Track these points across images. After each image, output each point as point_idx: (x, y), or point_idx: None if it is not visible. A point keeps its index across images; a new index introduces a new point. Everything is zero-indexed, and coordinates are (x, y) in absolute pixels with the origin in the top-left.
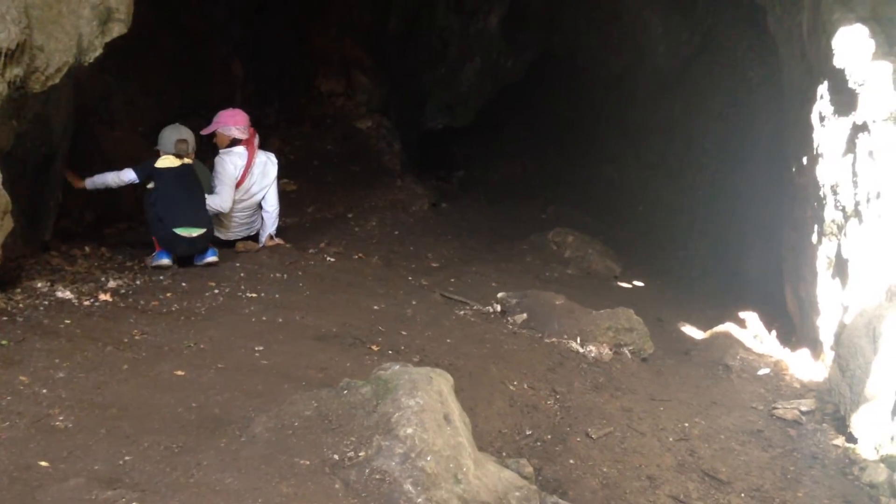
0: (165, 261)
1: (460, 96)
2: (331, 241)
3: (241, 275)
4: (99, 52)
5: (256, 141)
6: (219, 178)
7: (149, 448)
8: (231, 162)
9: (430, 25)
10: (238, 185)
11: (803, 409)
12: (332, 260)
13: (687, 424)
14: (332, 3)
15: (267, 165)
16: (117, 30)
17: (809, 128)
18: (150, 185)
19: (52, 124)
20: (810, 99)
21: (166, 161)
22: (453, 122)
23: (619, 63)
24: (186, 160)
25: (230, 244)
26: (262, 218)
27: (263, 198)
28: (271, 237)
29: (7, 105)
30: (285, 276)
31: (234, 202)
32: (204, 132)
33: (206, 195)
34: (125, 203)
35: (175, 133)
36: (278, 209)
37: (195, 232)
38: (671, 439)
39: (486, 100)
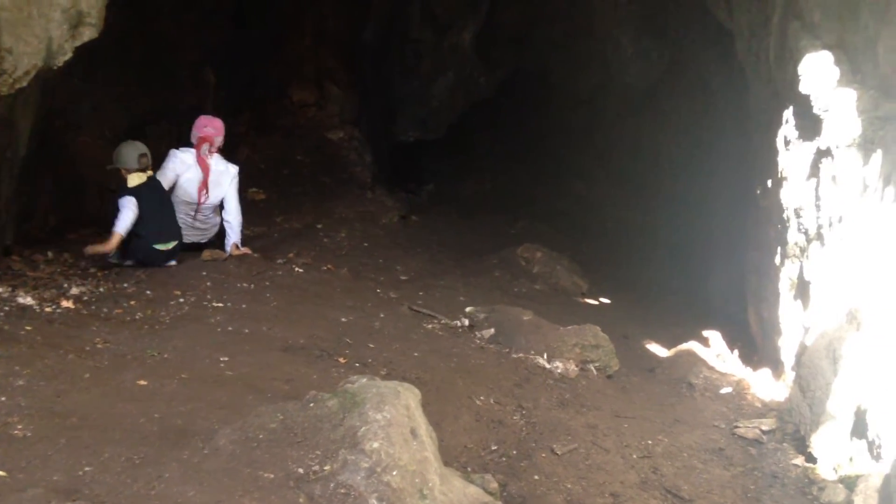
0: (129, 262)
1: (432, 110)
2: (299, 252)
3: (208, 284)
4: (69, 55)
5: (204, 149)
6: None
7: (109, 459)
8: (177, 160)
9: (404, 39)
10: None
11: (764, 428)
12: (301, 271)
13: (650, 442)
14: (307, 13)
15: (223, 175)
16: (88, 34)
17: (774, 151)
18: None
19: (19, 128)
20: (776, 123)
21: (136, 179)
22: (425, 135)
23: (589, 81)
24: (150, 173)
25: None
26: (225, 227)
27: (223, 206)
28: (237, 246)
29: None
30: (252, 286)
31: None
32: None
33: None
34: (89, 208)
35: (135, 149)
36: (240, 218)
37: (171, 245)
38: (635, 456)
39: (458, 114)
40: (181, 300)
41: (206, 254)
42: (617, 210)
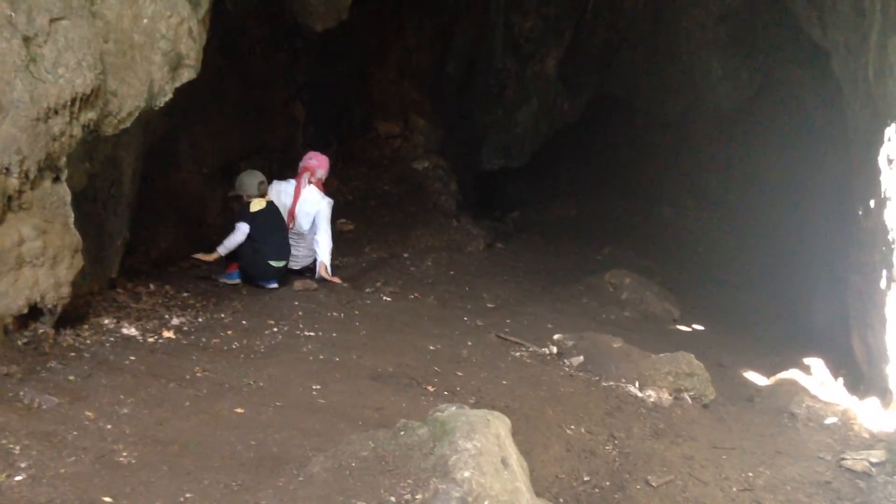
0: (237, 280)
1: (516, 138)
2: (387, 281)
3: (300, 313)
4: (169, 96)
5: (304, 178)
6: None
7: (209, 486)
8: (273, 188)
9: (487, 68)
10: (289, 213)
11: (873, 460)
12: (389, 299)
13: (751, 474)
14: (391, 47)
15: (313, 205)
16: (187, 75)
17: (877, 171)
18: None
19: (122, 166)
20: (877, 142)
21: (257, 204)
22: (509, 163)
23: (676, 104)
24: (268, 198)
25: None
26: (316, 250)
27: (314, 229)
28: (325, 267)
29: (80, 147)
30: (342, 315)
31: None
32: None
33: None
34: (188, 241)
35: (254, 178)
36: (330, 243)
37: (282, 263)
38: (735, 489)
39: (543, 141)
40: (275, 329)
41: (298, 284)
42: (708, 234)
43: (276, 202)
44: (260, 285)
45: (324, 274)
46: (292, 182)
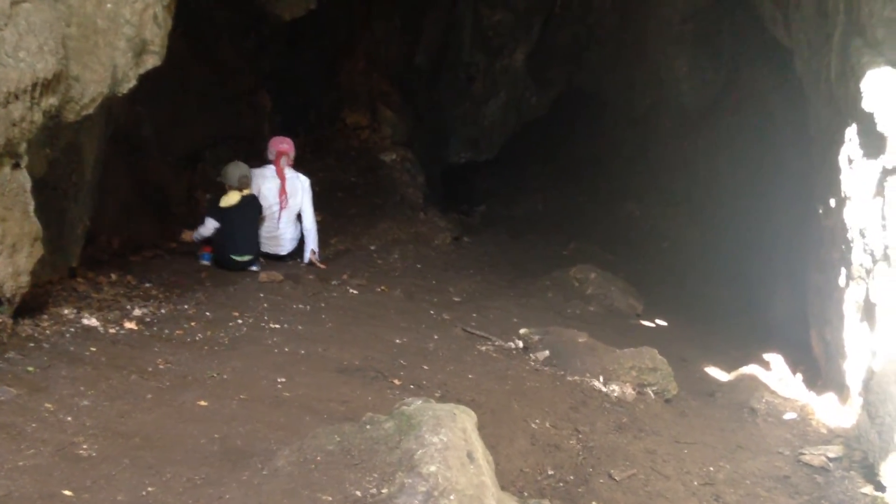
0: (206, 262)
1: (484, 131)
2: (353, 273)
3: (265, 305)
4: (133, 83)
5: (282, 161)
6: None
7: (171, 479)
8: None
9: (455, 61)
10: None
11: (831, 455)
12: (355, 292)
13: (712, 468)
14: (360, 38)
15: (296, 182)
16: (151, 62)
17: (837, 170)
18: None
19: (84, 153)
20: (838, 141)
21: (229, 199)
22: (476, 156)
23: (643, 100)
24: (246, 192)
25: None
26: (304, 235)
27: (300, 219)
28: (314, 252)
29: (41, 133)
30: (308, 307)
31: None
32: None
33: None
34: (151, 230)
35: (237, 169)
36: (315, 227)
37: (247, 257)
38: (696, 483)
39: (510, 135)
40: (239, 321)
41: (263, 276)
42: (672, 231)
43: (262, 188)
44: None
45: (314, 259)
46: (270, 167)
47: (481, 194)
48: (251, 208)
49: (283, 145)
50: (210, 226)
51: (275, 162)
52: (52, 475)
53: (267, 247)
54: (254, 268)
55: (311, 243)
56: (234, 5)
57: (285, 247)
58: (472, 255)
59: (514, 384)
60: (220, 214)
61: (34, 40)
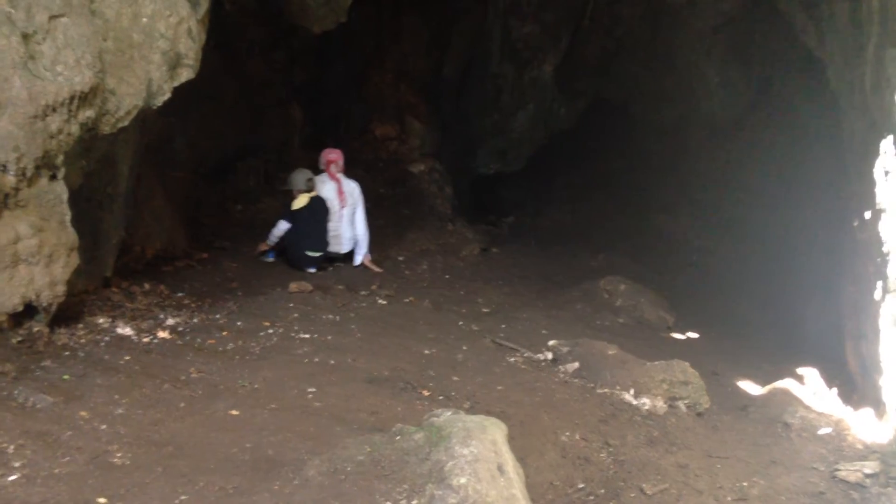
0: (272, 259)
1: (512, 142)
2: (382, 284)
3: (295, 315)
4: (167, 95)
5: (332, 168)
6: None
7: (204, 488)
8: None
9: (484, 73)
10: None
11: (867, 471)
12: (384, 303)
13: (745, 483)
14: (388, 51)
15: (349, 184)
16: (185, 75)
17: (872, 182)
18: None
19: (119, 165)
20: (873, 153)
21: (299, 202)
22: (505, 167)
23: (673, 112)
24: (314, 193)
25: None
26: (358, 239)
27: (354, 223)
28: (367, 256)
29: (78, 146)
30: (337, 317)
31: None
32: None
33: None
34: (182, 241)
35: (303, 175)
36: (368, 232)
37: (318, 253)
38: (729, 499)
39: (538, 146)
40: (270, 331)
41: (294, 286)
42: (703, 242)
43: (322, 192)
44: (302, 270)
45: (368, 264)
46: (324, 174)
47: (509, 205)
48: (320, 208)
49: (331, 155)
50: (282, 227)
51: (326, 170)
52: (87, 483)
53: (333, 247)
54: (311, 269)
55: (364, 247)
56: (264, 19)
57: (345, 245)
58: (501, 266)
59: (544, 396)
60: (292, 216)
61: (72, 54)
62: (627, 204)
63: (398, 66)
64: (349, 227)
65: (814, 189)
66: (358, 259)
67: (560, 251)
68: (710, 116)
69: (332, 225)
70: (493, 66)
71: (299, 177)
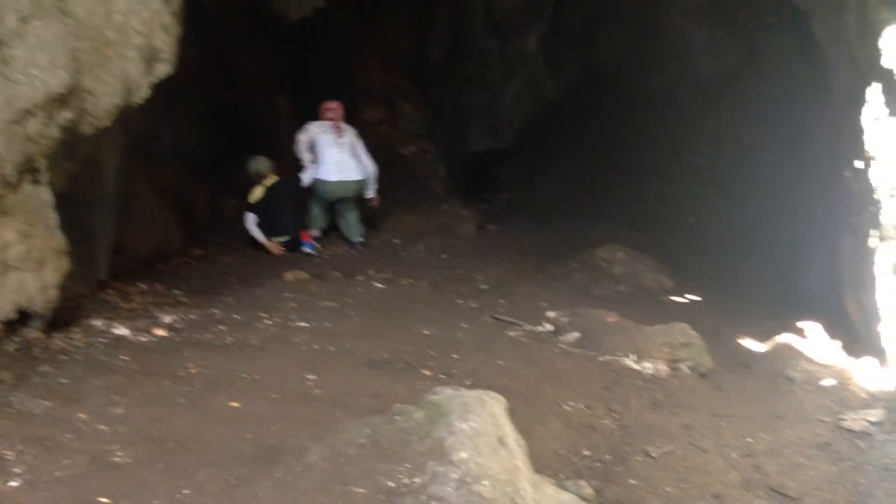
0: (308, 250)
1: (502, 118)
2: (379, 268)
3: (292, 305)
4: (146, 92)
5: (328, 115)
6: None
7: (206, 481)
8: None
9: (469, 49)
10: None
11: (872, 419)
12: (381, 286)
13: (751, 440)
14: (372, 35)
15: (344, 126)
16: (163, 70)
17: (861, 131)
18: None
19: (104, 166)
20: (861, 101)
21: (255, 195)
22: (496, 143)
23: (662, 76)
24: (269, 181)
25: None
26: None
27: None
28: (376, 193)
29: (60, 148)
30: (335, 304)
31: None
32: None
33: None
34: (176, 239)
35: (254, 163)
36: (376, 170)
37: (284, 237)
38: (735, 455)
39: (529, 120)
40: (268, 322)
41: (289, 275)
42: (699, 205)
43: (319, 137)
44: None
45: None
46: (320, 121)
47: (503, 181)
48: (276, 193)
49: (328, 104)
50: (251, 220)
51: (322, 117)
52: (89, 484)
53: (346, 174)
54: (308, 249)
55: (374, 183)
56: (242, 9)
57: (354, 172)
58: (498, 243)
59: (545, 368)
60: (250, 209)
61: (45, 56)
62: (623, 172)
63: (383, 48)
64: (352, 157)
65: (806, 143)
66: (370, 193)
67: (557, 224)
68: (699, 78)
69: (334, 152)
70: (477, 41)
71: (249, 166)
